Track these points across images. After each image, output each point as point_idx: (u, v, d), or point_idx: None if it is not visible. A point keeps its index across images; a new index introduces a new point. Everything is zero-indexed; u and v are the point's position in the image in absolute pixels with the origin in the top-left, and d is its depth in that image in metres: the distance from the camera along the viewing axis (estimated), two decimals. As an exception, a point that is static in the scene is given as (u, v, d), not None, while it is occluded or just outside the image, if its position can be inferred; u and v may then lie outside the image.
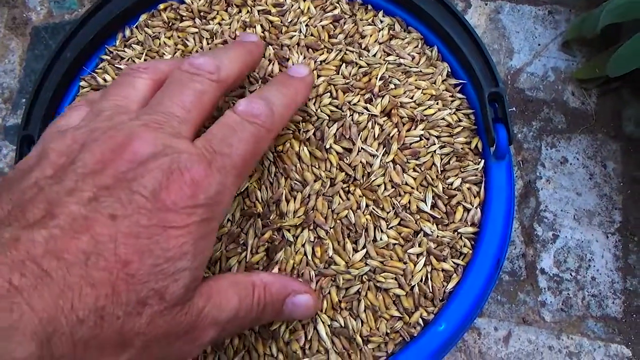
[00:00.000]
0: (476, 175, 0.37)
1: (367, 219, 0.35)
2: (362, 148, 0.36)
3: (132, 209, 0.23)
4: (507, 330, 0.54)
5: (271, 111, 0.29)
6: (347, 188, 0.35)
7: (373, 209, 0.35)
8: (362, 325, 0.35)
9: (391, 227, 0.35)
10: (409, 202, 0.36)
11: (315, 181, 0.35)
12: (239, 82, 0.33)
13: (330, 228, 0.34)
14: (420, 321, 0.35)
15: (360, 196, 0.35)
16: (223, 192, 0.26)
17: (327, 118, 0.36)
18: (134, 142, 0.24)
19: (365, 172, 0.35)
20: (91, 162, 0.24)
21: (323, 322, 0.35)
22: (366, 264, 0.35)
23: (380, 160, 0.36)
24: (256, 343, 0.34)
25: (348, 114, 0.37)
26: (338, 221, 0.35)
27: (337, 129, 0.36)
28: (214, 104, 0.29)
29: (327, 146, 0.36)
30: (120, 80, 0.30)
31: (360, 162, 0.35)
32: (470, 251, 0.36)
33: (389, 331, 0.35)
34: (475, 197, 0.37)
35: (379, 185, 0.35)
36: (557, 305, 0.54)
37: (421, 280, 0.35)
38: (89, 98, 0.31)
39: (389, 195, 0.35)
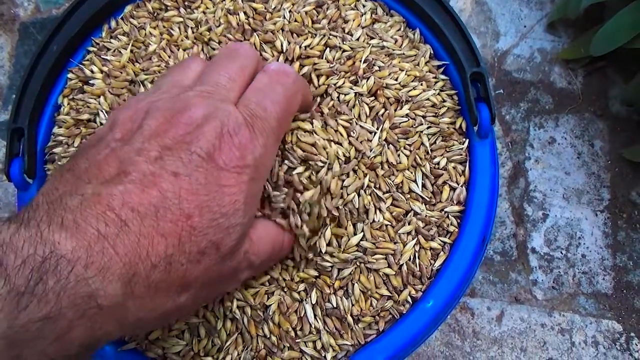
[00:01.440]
0: (461, 155, 0.38)
1: (369, 200, 0.35)
2: (359, 124, 0.36)
3: (191, 168, 0.26)
4: (499, 310, 0.54)
5: (297, 75, 0.33)
6: (357, 165, 0.36)
7: (373, 189, 0.36)
8: (352, 306, 0.35)
9: (387, 208, 0.36)
10: (402, 182, 0.36)
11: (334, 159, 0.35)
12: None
13: (342, 206, 0.35)
14: (409, 299, 0.36)
15: (364, 175, 0.36)
16: (266, 154, 0.29)
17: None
18: (190, 109, 0.27)
19: (366, 148, 0.36)
20: (155, 126, 0.27)
21: (315, 304, 0.35)
22: (360, 247, 0.35)
23: (379, 137, 0.36)
24: (249, 325, 0.35)
25: (335, 95, 0.37)
26: (345, 206, 0.35)
27: (328, 104, 0.37)
28: (252, 77, 0.32)
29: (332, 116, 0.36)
30: (178, 64, 0.34)
31: (358, 139, 0.36)
32: (457, 229, 0.37)
33: (379, 310, 0.35)
34: (460, 176, 0.38)
35: (379, 164, 0.36)
36: (549, 283, 0.55)
37: (409, 259, 0.36)
38: None
39: (384, 175, 0.36)
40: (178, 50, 0.41)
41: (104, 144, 0.27)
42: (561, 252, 0.56)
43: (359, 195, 0.35)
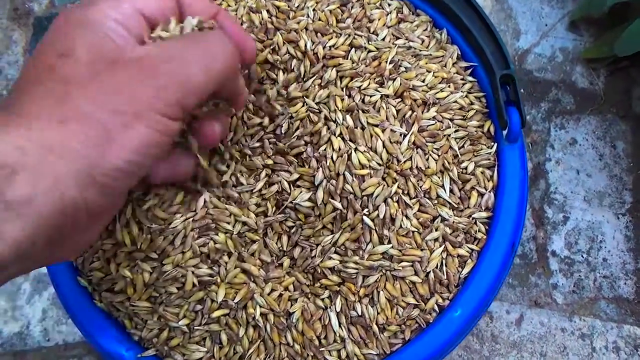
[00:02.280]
0: (489, 159, 0.37)
1: (396, 209, 0.35)
2: (389, 127, 0.36)
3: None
4: (519, 313, 0.54)
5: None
6: (386, 172, 0.35)
7: (401, 196, 0.35)
8: (378, 314, 0.34)
9: (414, 214, 0.35)
10: (430, 187, 0.35)
11: (364, 167, 0.35)
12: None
13: (374, 218, 0.35)
14: (436, 307, 0.35)
15: (393, 182, 0.35)
16: None
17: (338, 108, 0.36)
18: None
19: (398, 152, 0.35)
20: None
21: (339, 312, 0.34)
22: (386, 254, 0.34)
23: (408, 140, 0.35)
24: (272, 333, 0.34)
25: (358, 98, 0.36)
26: (372, 217, 0.35)
27: (353, 113, 0.36)
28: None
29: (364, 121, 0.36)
30: None
31: (391, 141, 0.35)
32: (485, 236, 0.36)
33: (405, 318, 0.34)
34: (488, 181, 0.37)
35: (409, 169, 0.35)
36: (569, 287, 0.54)
37: (436, 267, 0.35)
38: None
39: (413, 180, 0.35)
40: (199, 48, 0.40)
41: None
42: (582, 256, 0.55)
43: (386, 203, 0.34)
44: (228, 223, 0.34)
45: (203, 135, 0.30)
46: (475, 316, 0.34)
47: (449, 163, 0.36)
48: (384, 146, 0.35)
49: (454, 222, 0.35)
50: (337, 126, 0.35)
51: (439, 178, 0.36)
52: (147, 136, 0.25)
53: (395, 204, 0.35)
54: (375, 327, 0.34)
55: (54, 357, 0.54)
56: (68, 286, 0.36)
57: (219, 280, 0.34)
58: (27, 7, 0.65)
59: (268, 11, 0.39)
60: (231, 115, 0.35)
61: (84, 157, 0.23)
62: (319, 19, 0.39)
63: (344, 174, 0.34)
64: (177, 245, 0.34)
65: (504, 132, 0.37)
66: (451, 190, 0.36)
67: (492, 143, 0.37)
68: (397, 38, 0.39)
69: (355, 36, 0.38)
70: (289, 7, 0.39)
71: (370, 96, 0.36)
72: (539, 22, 0.63)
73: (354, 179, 0.34)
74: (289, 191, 0.35)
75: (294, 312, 0.34)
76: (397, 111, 0.36)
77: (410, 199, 0.35)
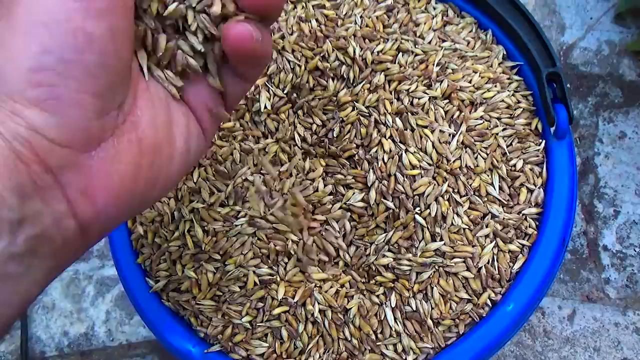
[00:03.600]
0: (538, 156, 0.37)
1: (447, 207, 0.36)
2: (437, 128, 0.37)
3: None
4: (571, 309, 0.54)
5: None
6: (437, 171, 0.36)
7: (452, 194, 0.36)
8: (432, 309, 0.35)
9: (465, 212, 0.36)
10: (479, 185, 0.36)
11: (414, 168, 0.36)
12: None
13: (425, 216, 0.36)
14: (489, 302, 0.36)
15: (444, 181, 0.36)
16: None
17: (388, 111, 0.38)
18: None
19: (447, 152, 0.36)
20: None
21: (394, 307, 0.36)
22: (438, 251, 0.36)
23: (457, 140, 0.36)
24: (330, 328, 0.36)
25: (406, 100, 0.38)
26: (423, 215, 0.36)
27: (403, 115, 0.37)
28: None
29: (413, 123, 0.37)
30: None
31: (440, 142, 0.37)
32: (535, 232, 0.37)
33: (458, 313, 0.35)
34: (538, 177, 0.37)
35: (458, 168, 0.36)
36: (622, 281, 0.54)
37: (488, 262, 0.36)
38: None
39: (463, 176, 0.36)
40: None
41: None
42: (634, 250, 0.54)
43: (437, 202, 0.35)
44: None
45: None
46: (527, 310, 0.35)
47: (497, 161, 0.37)
48: (433, 147, 0.36)
49: (504, 218, 0.36)
50: (387, 129, 0.37)
51: (488, 176, 0.37)
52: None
53: (446, 202, 0.36)
54: (429, 322, 0.35)
55: (118, 356, 0.57)
56: (137, 287, 0.39)
57: (278, 279, 0.36)
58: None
59: (317, 20, 0.41)
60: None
61: None
62: (367, 26, 0.40)
63: (395, 175, 0.36)
64: (238, 247, 0.36)
65: (552, 129, 0.38)
66: (500, 188, 0.37)
67: (540, 140, 0.38)
68: (443, 41, 0.40)
69: (402, 40, 0.39)
70: (337, 15, 0.41)
71: (419, 98, 0.38)
72: (584, 15, 0.63)
73: (405, 179, 0.36)
74: (342, 192, 0.37)
75: (350, 308, 0.36)
76: (446, 112, 0.37)
77: (461, 197, 0.36)
